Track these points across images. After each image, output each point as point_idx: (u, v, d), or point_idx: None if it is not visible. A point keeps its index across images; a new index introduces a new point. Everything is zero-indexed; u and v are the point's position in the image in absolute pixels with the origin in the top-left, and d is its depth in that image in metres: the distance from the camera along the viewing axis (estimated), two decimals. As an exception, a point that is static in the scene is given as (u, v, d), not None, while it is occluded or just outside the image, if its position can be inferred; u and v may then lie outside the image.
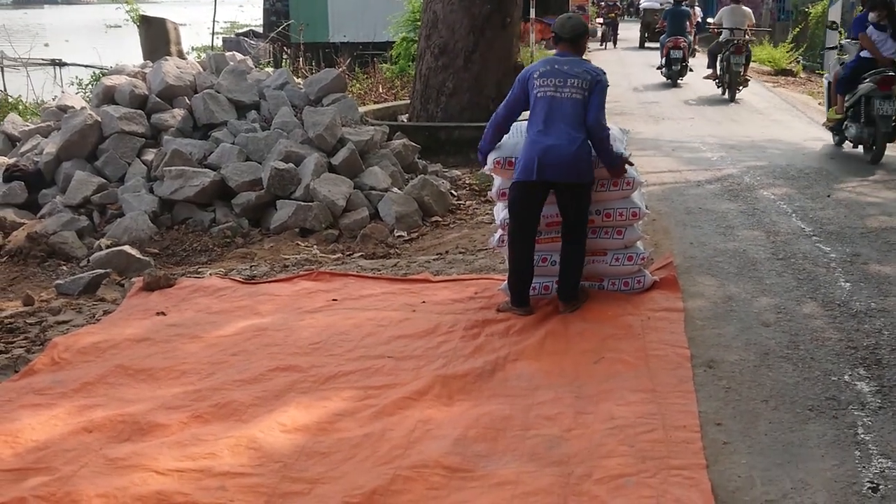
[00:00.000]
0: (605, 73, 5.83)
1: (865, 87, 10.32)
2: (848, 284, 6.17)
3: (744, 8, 17.63)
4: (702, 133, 13.03)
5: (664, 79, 19.60)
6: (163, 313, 6.29)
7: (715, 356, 5.06)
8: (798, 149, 11.69)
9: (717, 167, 10.37)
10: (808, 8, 25.14)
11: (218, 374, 5.11)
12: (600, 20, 33.60)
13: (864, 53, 10.59)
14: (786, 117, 14.86)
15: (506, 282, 6.06)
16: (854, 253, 6.86)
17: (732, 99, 16.68)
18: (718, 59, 17.32)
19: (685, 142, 12.30)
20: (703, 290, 6.16)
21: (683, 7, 19.88)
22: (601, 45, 31.53)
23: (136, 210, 8.59)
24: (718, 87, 17.47)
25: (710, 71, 18.04)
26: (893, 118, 10.17)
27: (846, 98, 10.77)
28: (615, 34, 32.07)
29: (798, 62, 22.68)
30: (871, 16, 10.51)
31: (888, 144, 10.46)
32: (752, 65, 18.07)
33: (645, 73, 21.84)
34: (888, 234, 7.37)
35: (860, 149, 10.90)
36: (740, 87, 16.86)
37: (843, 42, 12.08)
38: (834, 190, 9.01)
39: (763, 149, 11.68)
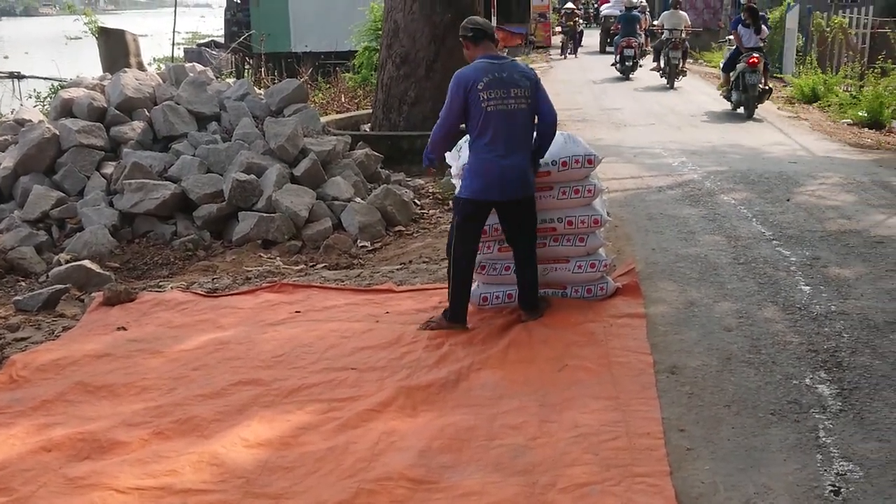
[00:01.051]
0: (535, 71, 5.88)
1: (741, 66, 15.16)
2: (808, 288, 6.23)
3: (680, 13, 21.30)
4: (663, 139, 13.12)
5: (619, 74, 22.66)
6: (123, 328, 6.22)
7: (677, 362, 5.08)
8: (758, 153, 11.81)
9: (678, 173, 10.44)
10: (766, 14, 25.40)
11: (179, 390, 5.07)
12: (559, 29, 32.79)
13: None
14: (745, 122, 14.99)
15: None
16: (814, 256, 6.93)
17: (672, 86, 20.16)
18: (661, 54, 21.03)
19: (647, 148, 12.37)
20: (665, 295, 6.19)
21: (635, 13, 23.53)
22: (561, 55, 30.44)
23: (96, 224, 8.49)
24: (662, 76, 20.89)
25: (654, 64, 21.84)
26: (758, 86, 15.08)
27: (730, 75, 15.78)
28: (576, 43, 30.90)
29: (757, 67, 22.87)
30: (742, 16, 15.53)
31: (759, 105, 15.46)
32: (711, 70, 20.89)
33: (604, 75, 22.26)
34: (847, 237, 7.46)
35: (744, 110, 15.35)
36: (679, 77, 20.54)
37: (729, 37, 17.72)
38: (793, 194, 9.10)
39: (723, 154, 11.78)
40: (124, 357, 5.59)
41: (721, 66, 17.01)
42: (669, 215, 8.33)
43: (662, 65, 20.91)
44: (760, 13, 16.18)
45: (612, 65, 23.19)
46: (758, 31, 15.40)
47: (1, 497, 3.91)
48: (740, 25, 15.58)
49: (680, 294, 6.21)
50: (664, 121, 15.27)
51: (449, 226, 8.62)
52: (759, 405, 4.51)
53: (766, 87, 15.74)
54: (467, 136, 6.05)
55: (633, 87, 20.78)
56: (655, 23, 23.95)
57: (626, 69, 22.53)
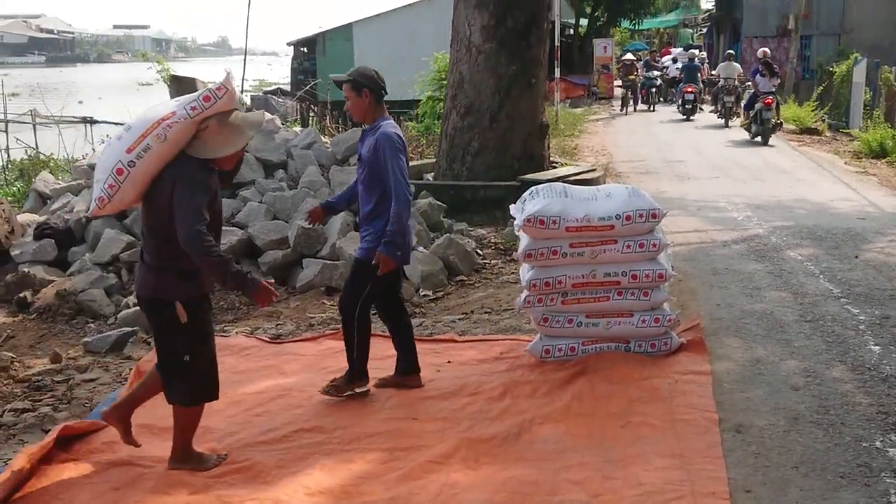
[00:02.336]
0: None
1: (758, 105, 19.43)
2: (878, 348, 6.10)
3: (734, 64, 24.79)
4: (727, 192, 13.02)
5: (682, 116, 25.65)
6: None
7: (743, 420, 5.00)
8: (825, 209, 11.65)
9: (743, 227, 10.34)
10: (832, 67, 25.21)
11: (241, 434, 5.11)
12: (619, 83, 31.02)
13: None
14: (812, 177, 14.83)
15: (532, 343, 6.06)
16: (883, 315, 6.79)
17: (727, 125, 23.10)
18: (718, 98, 25.01)
19: (711, 201, 12.28)
20: (730, 352, 6.11)
21: (695, 63, 26.93)
22: (621, 109, 28.50)
23: (164, 268, 8.64)
24: (719, 118, 24.20)
25: (713, 107, 26.32)
26: (772, 121, 19.28)
27: (749, 112, 20.09)
28: (636, 97, 29.01)
29: (823, 121, 22.70)
30: (760, 68, 20.18)
31: (771, 135, 19.45)
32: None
33: (667, 121, 22.16)
34: (918, 296, 7.31)
35: (760, 139, 19.35)
36: (733, 117, 23.35)
37: (747, 84, 22.24)
38: (862, 251, 8.94)
39: (789, 208, 11.65)
40: (189, 400, 5.64)
41: (743, 106, 21.68)
42: (734, 270, 8.24)
43: (719, 107, 24.49)
44: (774, 66, 20.57)
45: (677, 108, 26.60)
46: (772, 77, 19.88)
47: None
48: (758, 75, 20.03)
49: (746, 351, 6.12)
50: (728, 174, 15.16)
51: (511, 276, 8.66)
52: (828, 467, 4.41)
53: (778, 122, 20.00)
54: (535, 189, 6.05)
55: (694, 127, 23.70)
56: (714, 72, 27.65)
57: (687, 111, 25.43)
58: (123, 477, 4.56)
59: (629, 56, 30.84)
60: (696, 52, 30.18)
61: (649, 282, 5.95)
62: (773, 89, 19.75)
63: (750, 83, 21.06)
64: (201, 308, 4.61)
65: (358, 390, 5.65)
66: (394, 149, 5.34)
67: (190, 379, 4.61)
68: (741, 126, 21.24)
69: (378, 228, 5.44)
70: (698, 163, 16.68)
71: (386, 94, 5.54)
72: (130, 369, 6.53)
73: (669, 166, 16.19)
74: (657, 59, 32.72)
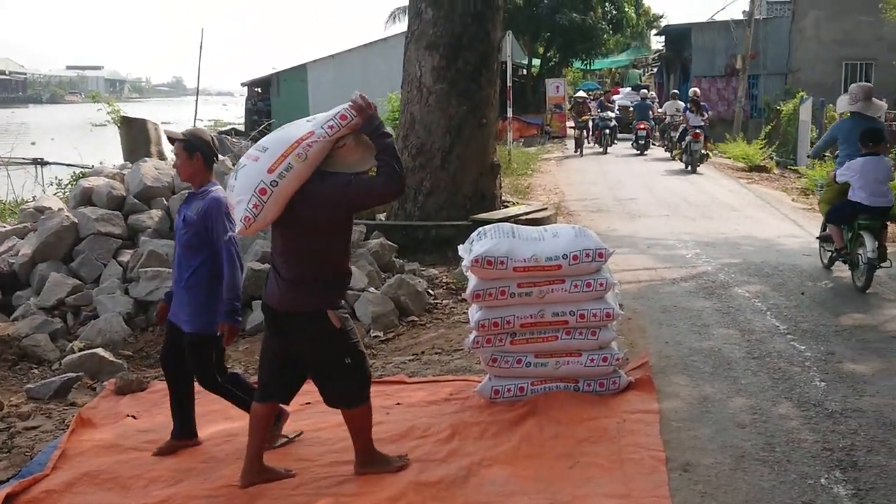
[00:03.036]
0: None
1: (688, 138, 21.85)
2: (823, 384, 6.16)
3: (678, 102, 26.26)
4: (677, 230, 13.15)
5: (635, 151, 27.05)
6: (133, 417, 6.21)
7: (691, 459, 5.01)
8: (772, 245, 11.81)
9: (692, 265, 10.44)
10: (779, 106, 25.72)
11: (185, 482, 5.03)
12: (571, 124, 30.34)
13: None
14: (760, 214, 15.04)
15: (481, 384, 6.05)
16: (828, 351, 6.87)
17: (672, 158, 24.55)
18: (664, 134, 27.01)
19: (661, 239, 12.40)
20: (678, 390, 6.13)
21: (647, 102, 29.24)
22: (575, 151, 27.51)
23: (111, 312, 8.53)
24: (666, 151, 26.15)
25: (661, 142, 28.17)
26: (700, 151, 21.79)
27: (681, 144, 22.62)
28: (586, 136, 28.34)
29: (771, 158, 23.10)
30: (690, 106, 23.04)
31: (700, 164, 21.87)
32: (726, 161, 23.83)
33: (621, 156, 22.37)
34: (862, 332, 7.41)
35: (689, 168, 21.66)
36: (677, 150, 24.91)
37: (679, 118, 24.32)
38: (808, 287, 9.06)
39: (737, 245, 11.79)
40: (132, 448, 5.56)
41: (676, 138, 23.99)
42: (683, 308, 8.30)
43: (666, 142, 26.47)
44: (702, 103, 23.43)
45: (631, 144, 27.70)
46: (700, 114, 22.64)
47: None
48: (688, 112, 22.75)
49: (693, 389, 6.15)
50: (678, 211, 15.32)
51: (462, 316, 8.64)
52: (774, 506, 4.44)
53: (705, 153, 22.75)
54: (482, 229, 6.08)
55: (644, 162, 25.04)
56: (660, 110, 29.43)
57: (640, 147, 26.91)
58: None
59: (581, 94, 31.10)
60: (646, 91, 31.42)
61: (597, 321, 5.97)
62: (703, 124, 22.37)
63: (682, 117, 23.73)
64: (344, 312, 4.86)
65: (291, 437, 5.63)
66: (226, 214, 5.29)
67: (352, 378, 4.85)
68: (674, 156, 24.15)
69: (201, 298, 5.41)
70: (649, 200, 16.83)
71: (217, 160, 5.57)
72: (73, 416, 6.41)
73: (621, 204, 16.33)
74: (611, 99, 32.65)
